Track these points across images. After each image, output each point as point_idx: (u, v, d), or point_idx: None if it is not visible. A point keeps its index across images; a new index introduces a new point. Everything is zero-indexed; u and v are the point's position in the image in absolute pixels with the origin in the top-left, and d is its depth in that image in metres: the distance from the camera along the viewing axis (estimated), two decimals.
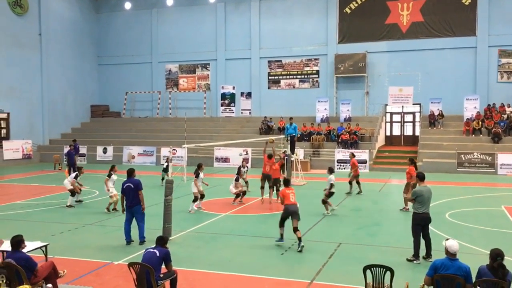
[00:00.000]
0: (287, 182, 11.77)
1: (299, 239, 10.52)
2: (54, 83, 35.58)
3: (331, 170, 15.34)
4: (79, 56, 38.27)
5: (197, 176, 15.24)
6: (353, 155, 19.75)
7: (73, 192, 16.23)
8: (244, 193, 16.81)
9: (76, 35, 37.97)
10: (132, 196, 11.06)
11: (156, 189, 19.53)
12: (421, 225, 9.67)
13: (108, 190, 15.06)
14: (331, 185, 14.62)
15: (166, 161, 20.15)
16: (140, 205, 11.06)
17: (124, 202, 11.25)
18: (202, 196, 15.50)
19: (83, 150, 32.13)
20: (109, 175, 15.24)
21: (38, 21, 34.25)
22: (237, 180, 16.71)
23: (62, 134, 36.55)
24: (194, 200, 15.14)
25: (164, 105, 38.46)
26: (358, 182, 18.52)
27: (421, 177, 10.02)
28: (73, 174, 16.68)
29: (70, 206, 16.10)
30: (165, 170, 19.53)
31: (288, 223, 10.80)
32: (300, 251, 10.40)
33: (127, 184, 11.12)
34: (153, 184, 20.69)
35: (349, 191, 18.52)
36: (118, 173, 15.81)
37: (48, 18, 34.88)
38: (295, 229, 10.56)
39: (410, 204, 14.13)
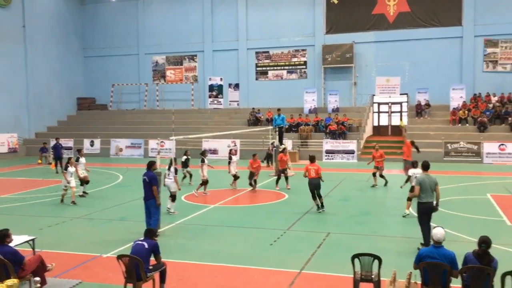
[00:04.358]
0: (312, 158, 14.26)
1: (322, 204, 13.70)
2: (39, 76, 35.12)
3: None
4: (64, 48, 37.78)
5: (202, 161, 16.63)
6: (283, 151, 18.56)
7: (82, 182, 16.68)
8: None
9: (61, 27, 37.45)
10: (147, 190, 10.99)
11: None
12: (426, 214, 9.70)
13: (69, 183, 15.20)
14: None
15: (185, 154, 18.19)
16: (154, 199, 10.96)
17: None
18: (206, 182, 16.63)
19: (69, 143, 31.84)
20: (66, 168, 15.56)
21: (22, 13, 33.71)
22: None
23: (48, 127, 36.19)
24: (202, 184, 16.52)
25: (151, 97, 38.20)
26: (280, 177, 17.80)
27: (424, 166, 9.98)
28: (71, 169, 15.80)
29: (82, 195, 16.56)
30: (185, 165, 18.05)
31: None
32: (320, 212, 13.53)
33: (144, 177, 11.06)
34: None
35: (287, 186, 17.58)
36: (106, 166, 15.73)
37: (32, 9, 34.34)
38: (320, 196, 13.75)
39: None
